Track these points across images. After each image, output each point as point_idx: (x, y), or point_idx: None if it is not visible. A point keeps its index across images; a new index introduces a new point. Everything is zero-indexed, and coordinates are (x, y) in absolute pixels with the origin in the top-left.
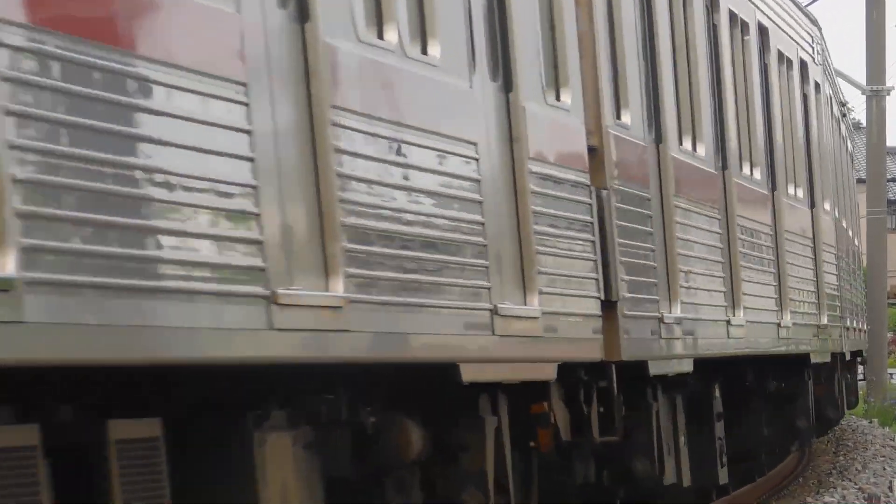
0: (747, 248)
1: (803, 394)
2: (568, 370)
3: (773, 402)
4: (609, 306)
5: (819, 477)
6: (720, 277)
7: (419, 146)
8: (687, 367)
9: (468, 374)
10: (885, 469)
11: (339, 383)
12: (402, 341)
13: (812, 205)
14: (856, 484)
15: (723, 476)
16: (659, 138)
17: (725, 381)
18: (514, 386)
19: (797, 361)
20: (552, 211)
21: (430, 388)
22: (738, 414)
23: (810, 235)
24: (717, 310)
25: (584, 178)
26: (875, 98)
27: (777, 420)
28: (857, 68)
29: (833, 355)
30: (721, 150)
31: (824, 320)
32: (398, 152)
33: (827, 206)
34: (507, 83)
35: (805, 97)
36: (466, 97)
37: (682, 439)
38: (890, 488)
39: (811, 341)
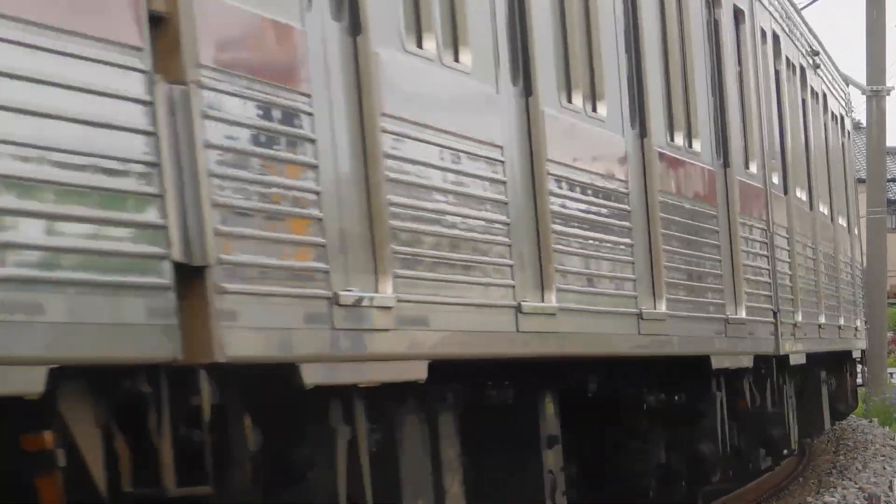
0: (560, 202)
1: (710, 411)
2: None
3: (669, 422)
4: (196, 274)
5: (819, 477)
6: (505, 245)
7: None
8: (416, 372)
9: None
10: (885, 468)
11: None
12: None
13: (725, 164)
14: (856, 483)
15: None
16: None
17: (594, 392)
18: None
19: (700, 367)
20: (35, 99)
21: None
22: (622, 438)
23: (717, 202)
24: (498, 290)
25: (133, 59)
26: (875, 98)
27: (681, 446)
28: (858, 68)
29: (768, 359)
30: (522, 71)
31: (740, 313)
32: None
33: (753, 170)
34: None
35: (715, 24)
36: None
37: (450, 479)
38: (890, 488)
39: (712, 340)
